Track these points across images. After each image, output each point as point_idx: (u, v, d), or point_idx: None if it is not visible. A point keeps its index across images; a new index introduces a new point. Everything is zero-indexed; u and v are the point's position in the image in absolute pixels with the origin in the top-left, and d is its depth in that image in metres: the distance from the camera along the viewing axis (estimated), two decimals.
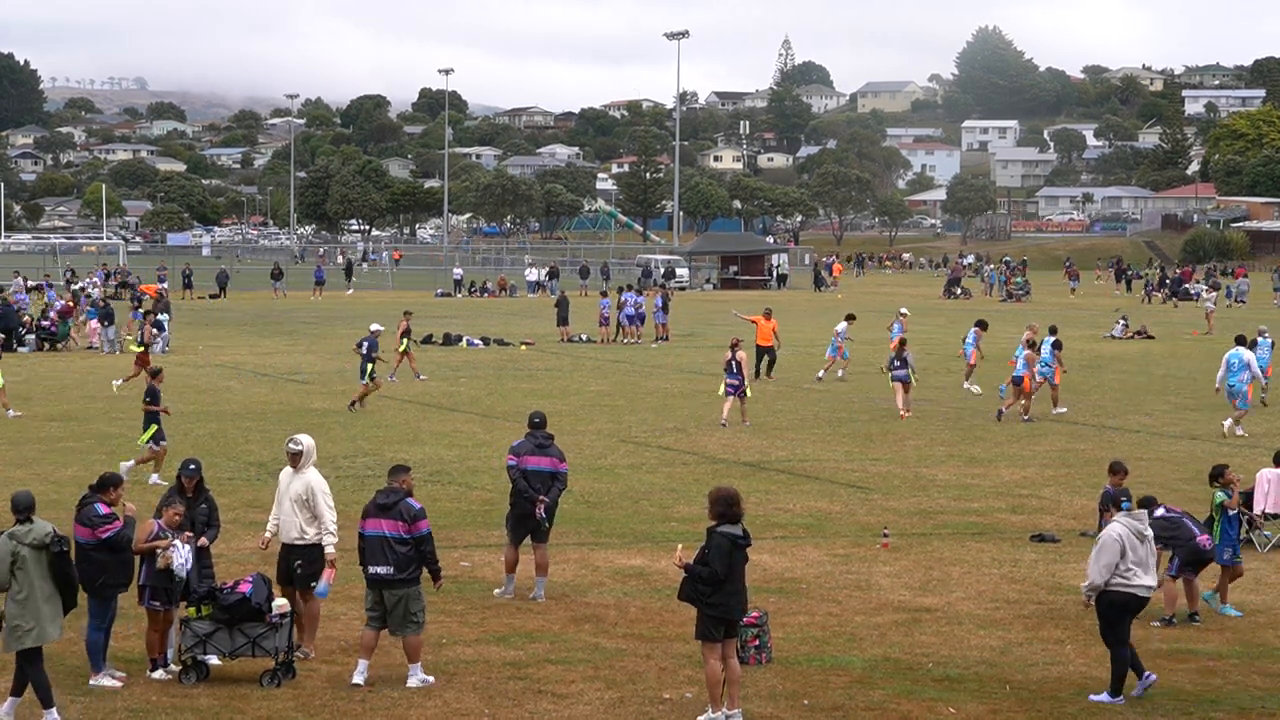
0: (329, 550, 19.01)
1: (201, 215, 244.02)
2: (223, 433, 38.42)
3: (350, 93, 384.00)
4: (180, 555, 18.21)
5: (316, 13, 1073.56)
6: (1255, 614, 21.73)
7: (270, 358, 58.47)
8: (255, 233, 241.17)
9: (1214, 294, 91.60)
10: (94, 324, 62.37)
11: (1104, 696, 17.72)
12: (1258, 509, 26.00)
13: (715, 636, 16.62)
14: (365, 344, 44.20)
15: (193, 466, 19.30)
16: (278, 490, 19.35)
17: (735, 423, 40.48)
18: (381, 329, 46.22)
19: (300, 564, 18.95)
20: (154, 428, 31.78)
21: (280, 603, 18.14)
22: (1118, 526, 18.00)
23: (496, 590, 22.33)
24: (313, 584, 19.01)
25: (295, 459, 19.30)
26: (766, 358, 52.08)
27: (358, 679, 17.90)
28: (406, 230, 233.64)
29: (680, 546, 17.48)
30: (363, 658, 18.11)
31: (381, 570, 18.05)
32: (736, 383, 40.73)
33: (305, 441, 19.45)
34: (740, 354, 41.06)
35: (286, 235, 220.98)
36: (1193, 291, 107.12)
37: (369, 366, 43.80)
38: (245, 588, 18.04)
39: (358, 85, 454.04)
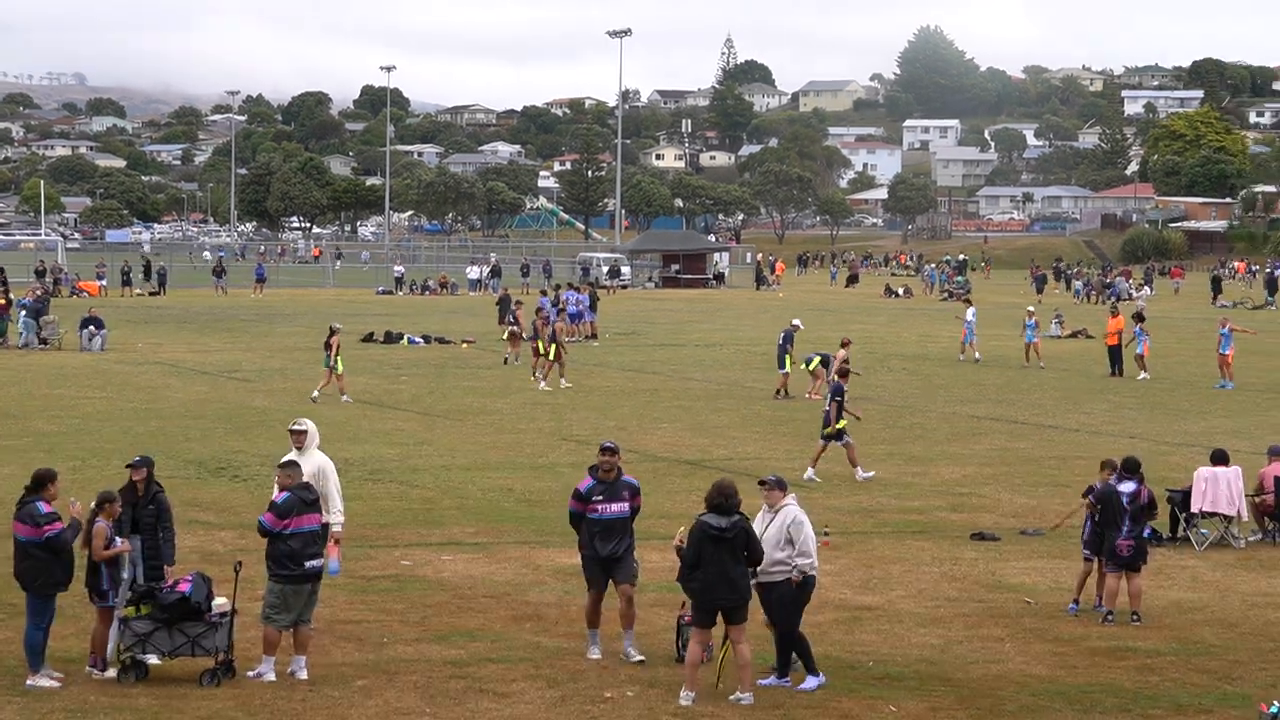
0: (337, 529, 19.75)
1: (141, 212, 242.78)
2: (162, 431, 38.20)
3: (291, 89, 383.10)
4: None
5: (259, 10, 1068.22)
6: (1192, 611, 21.86)
7: (210, 355, 58.21)
8: (195, 230, 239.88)
9: (1143, 291, 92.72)
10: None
11: (770, 679, 17.99)
12: (1195, 507, 26.19)
13: (697, 621, 17.37)
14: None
15: (138, 460, 19.19)
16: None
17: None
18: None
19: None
20: (843, 421, 32.71)
21: (220, 601, 18.06)
22: (801, 511, 18.12)
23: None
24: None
25: (300, 439, 19.93)
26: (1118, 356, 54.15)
27: (304, 675, 17.91)
28: (348, 228, 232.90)
29: (681, 529, 18.25)
30: (300, 654, 18.11)
31: (318, 563, 18.22)
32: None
33: (309, 423, 20.16)
34: (841, 352, 41.95)
35: (227, 232, 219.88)
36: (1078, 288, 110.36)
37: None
38: (185, 587, 17.92)
39: (299, 82, 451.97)
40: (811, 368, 46.25)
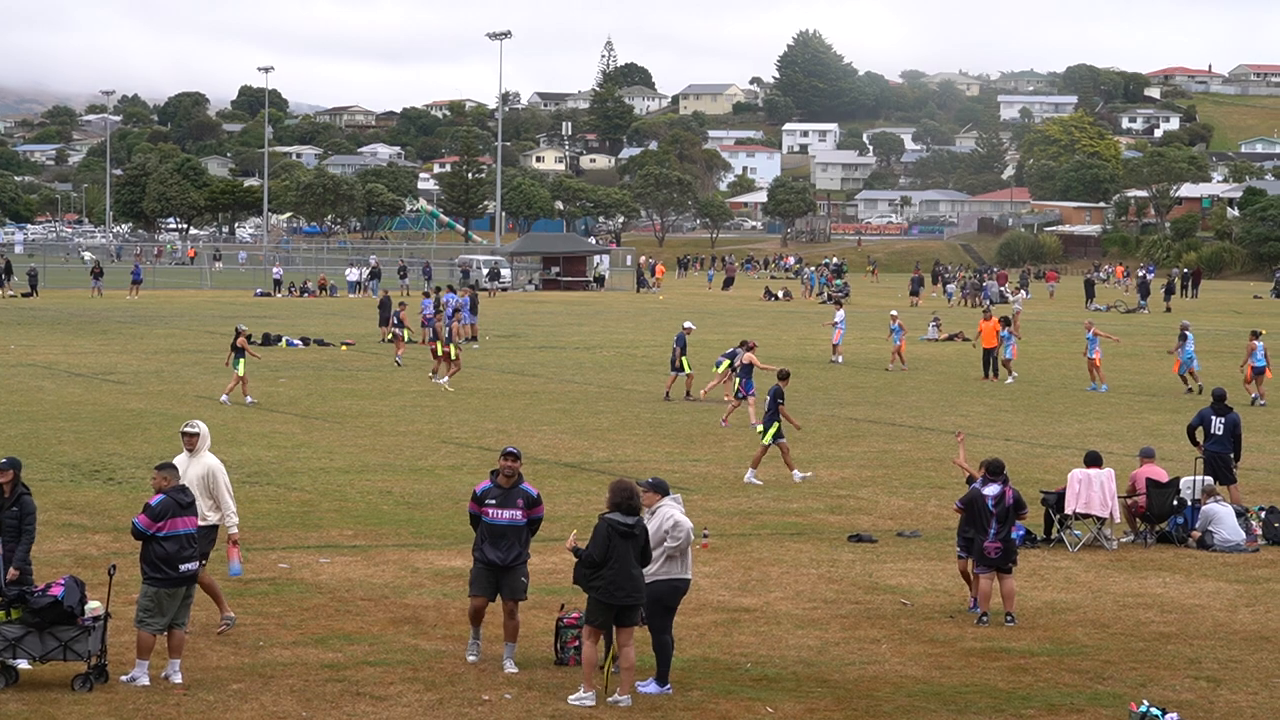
0: (234, 530, 19.91)
1: (14, 213, 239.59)
2: (35, 434, 37.70)
3: (168, 90, 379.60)
4: None
5: (134, 9, 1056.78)
6: (1065, 612, 22.10)
7: (84, 357, 57.55)
8: (70, 230, 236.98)
9: (1019, 294, 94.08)
10: None
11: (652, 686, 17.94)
12: (1069, 509, 26.46)
13: (595, 621, 17.43)
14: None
15: (4, 462, 18.99)
16: None
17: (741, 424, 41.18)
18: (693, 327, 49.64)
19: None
20: (775, 425, 32.73)
21: (93, 605, 17.87)
22: (678, 512, 18.17)
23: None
24: (202, 562, 19.39)
25: (191, 441, 19.85)
26: (992, 359, 54.58)
27: (178, 678, 17.73)
28: (226, 229, 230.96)
29: (574, 531, 18.30)
30: (174, 658, 17.96)
31: (194, 566, 18.12)
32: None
33: (201, 425, 20.07)
34: (749, 356, 41.67)
35: (102, 233, 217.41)
36: (949, 291, 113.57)
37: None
38: (57, 590, 17.73)
39: (176, 82, 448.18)
40: (721, 370, 46.18)
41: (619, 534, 17.26)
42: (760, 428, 33.50)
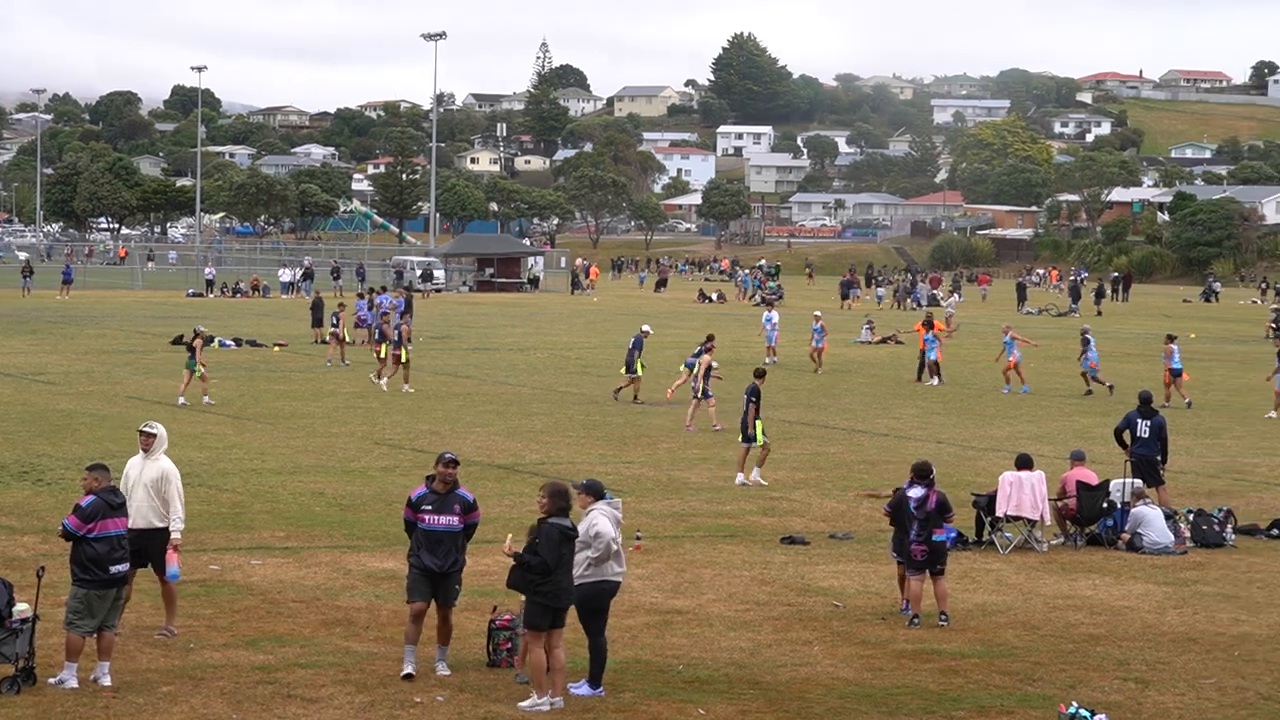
0: (176, 535, 19.68)
1: None
2: None
3: (100, 89, 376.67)
4: None
5: (65, 7, 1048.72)
6: (996, 614, 22.20)
7: (14, 357, 57.10)
8: None
9: (953, 298, 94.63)
10: None
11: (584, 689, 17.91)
12: (1000, 511, 26.59)
13: (541, 625, 17.32)
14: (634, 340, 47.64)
15: None
16: (126, 478, 19.51)
17: (704, 426, 41.19)
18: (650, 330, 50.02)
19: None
20: (759, 424, 32.86)
21: (21, 607, 17.74)
22: (603, 519, 18.06)
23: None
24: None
25: (148, 441, 19.83)
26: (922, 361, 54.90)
27: (107, 681, 17.62)
28: (158, 229, 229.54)
29: (510, 535, 18.00)
30: (104, 660, 17.86)
31: (124, 567, 18.05)
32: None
33: (159, 428, 20.05)
34: (706, 357, 41.58)
35: (32, 233, 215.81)
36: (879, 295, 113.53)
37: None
38: None
39: (108, 81, 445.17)
40: (697, 369, 46.10)
41: (567, 538, 17.30)
42: (757, 432, 33.23)
